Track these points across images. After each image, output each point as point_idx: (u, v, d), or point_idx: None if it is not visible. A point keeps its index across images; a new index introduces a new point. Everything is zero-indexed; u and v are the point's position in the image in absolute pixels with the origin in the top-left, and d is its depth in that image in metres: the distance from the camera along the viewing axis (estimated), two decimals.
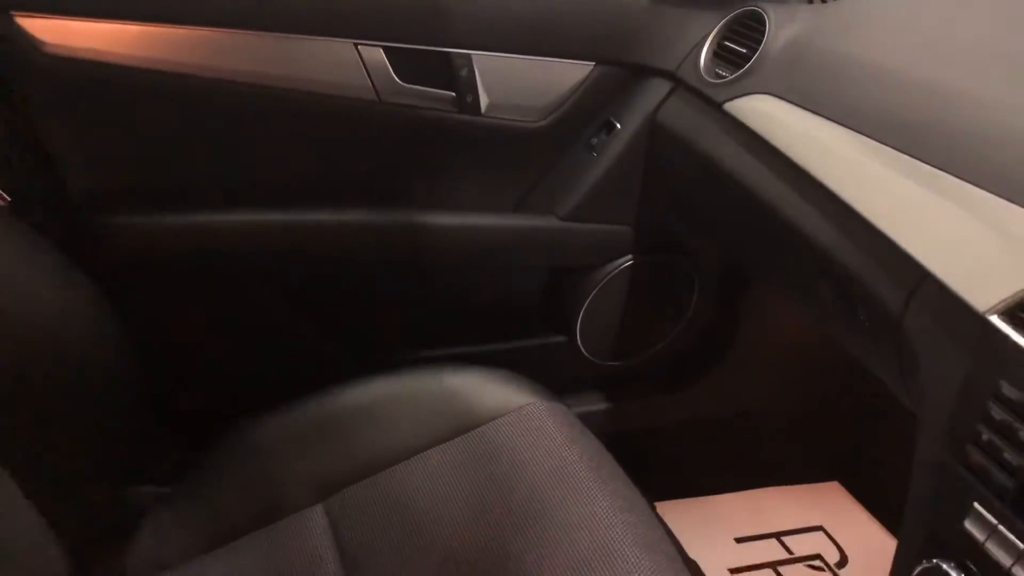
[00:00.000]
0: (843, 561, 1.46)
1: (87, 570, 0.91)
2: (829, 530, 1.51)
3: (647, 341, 1.47)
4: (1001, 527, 0.64)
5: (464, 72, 1.14)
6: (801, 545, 1.48)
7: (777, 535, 1.51)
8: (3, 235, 0.85)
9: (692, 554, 1.02)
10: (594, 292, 1.35)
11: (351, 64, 1.10)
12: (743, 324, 1.50)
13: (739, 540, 1.47)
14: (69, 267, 0.92)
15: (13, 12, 0.96)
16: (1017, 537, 0.63)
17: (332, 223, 1.19)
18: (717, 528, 1.49)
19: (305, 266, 1.22)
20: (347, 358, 1.28)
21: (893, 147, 0.85)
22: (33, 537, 0.75)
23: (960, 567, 0.67)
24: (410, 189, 1.22)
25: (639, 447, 1.38)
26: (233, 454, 1.08)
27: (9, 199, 1.00)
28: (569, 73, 1.21)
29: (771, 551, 1.47)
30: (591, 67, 1.21)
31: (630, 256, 1.34)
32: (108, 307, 0.97)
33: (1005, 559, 0.63)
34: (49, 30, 0.99)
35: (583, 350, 1.41)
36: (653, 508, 1.00)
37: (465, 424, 1.07)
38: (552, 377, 1.21)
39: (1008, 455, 0.64)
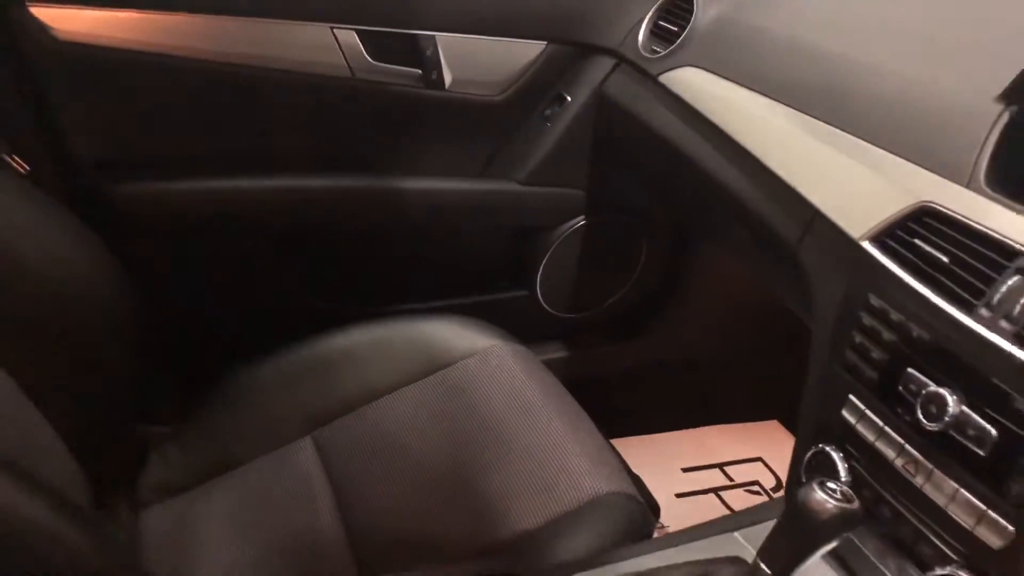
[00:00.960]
0: (778, 486, 1.60)
1: (105, 495, 1.02)
2: (767, 460, 1.65)
3: (602, 294, 1.60)
4: (868, 411, 0.78)
5: (429, 51, 1.26)
6: (741, 473, 1.62)
7: (720, 465, 1.64)
8: (25, 199, 0.96)
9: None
10: (551, 250, 1.47)
11: (328, 45, 1.22)
12: (689, 278, 1.63)
13: (685, 470, 1.61)
14: (81, 227, 1.03)
15: (28, 2, 1.07)
16: (879, 418, 0.76)
17: (315, 188, 1.30)
18: (666, 460, 1.62)
19: (292, 227, 1.33)
20: (332, 310, 1.39)
21: (796, 108, 0.98)
22: (62, 467, 0.86)
23: (840, 448, 0.81)
24: (384, 157, 1.33)
25: (596, 391, 1.50)
26: (232, 395, 1.19)
27: (28, 168, 1.11)
28: (524, 51, 1.33)
29: (714, 479, 1.61)
30: (543, 46, 1.33)
31: (583, 217, 1.47)
32: (117, 263, 1.08)
33: (870, 436, 0.77)
34: (59, 18, 1.09)
35: (543, 303, 1.53)
36: (607, 439, 1.12)
37: (437, 364, 1.18)
38: (515, 328, 1.33)
39: (874, 353, 0.78)
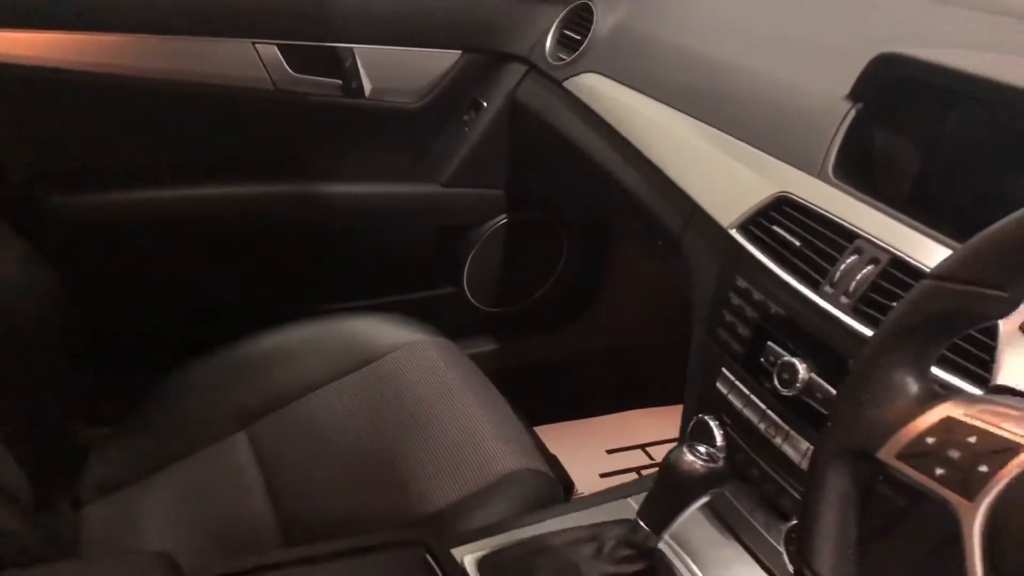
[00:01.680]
0: None
1: (47, 495, 1.06)
2: None
3: (527, 289, 1.67)
4: (736, 382, 0.86)
5: (348, 62, 1.32)
6: (662, 453, 1.69)
7: (642, 446, 1.72)
8: None
9: (569, 465, 1.21)
10: (476, 248, 1.54)
11: (251, 59, 1.27)
12: (611, 270, 1.71)
13: (610, 451, 1.69)
14: (11, 236, 1.07)
15: None
16: (745, 388, 0.84)
17: (245, 194, 1.36)
18: (592, 443, 1.70)
19: (224, 232, 1.38)
20: (265, 310, 1.44)
21: (680, 110, 1.06)
22: (3, 467, 0.90)
23: (717, 417, 0.89)
24: (309, 164, 1.39)
25: (525, 381, 1.56)
26: (169, 395, 1.23)
27: None
28: (440, 60, 1.40)
29: (636, 459, 1.69)
30: (458, 55, 1.40)
31: (504, 215, 1.54)
32: (51, 271, 1.12)
33: (738, 404, 0.85)
34: None
35: (471, 298, 1.60)
36: (530, 428, 1.19)
37: (365, 359, 1.24)
38: (446, 323, 1.39)
39: (740, 329, 0.86)
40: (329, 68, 1.32)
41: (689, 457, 0.76)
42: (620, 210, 1.19)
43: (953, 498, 0.45)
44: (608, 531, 0.83)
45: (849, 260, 0.76)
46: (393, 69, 1.37)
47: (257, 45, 1.26)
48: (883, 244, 0.74)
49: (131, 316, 1.39)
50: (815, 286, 0.78)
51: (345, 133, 1.39)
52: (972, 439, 0.45)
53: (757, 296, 0.84)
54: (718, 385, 0.88)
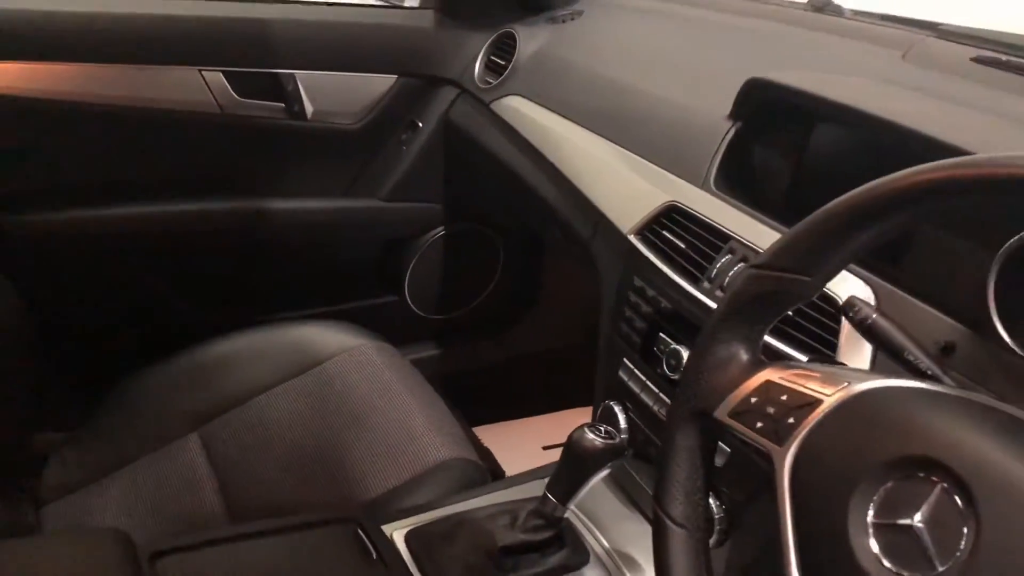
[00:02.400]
0: None
1: (7, 497, 1.12)
2: None
3: (467, 296, 1.76)
4: (635, 370, 0.96)
5: (290, 87, 1.41)
6: None
7: None
8: None
9: (506, 462, 1.29)
10: (416, 258, 1.63)
11: (198, 85, 1.35)
12: (546, 277, 1.81)
13: (546, 448, 1.78)
14: None
15: None
16: (642, 374, 0.94)
17: (194, 211, 1.43)
18: (529, 441, 1.78)
19: (175, 246, 1.46)
20: (214, 320, 1.51)
21: (590, 129, 1.17)
22: None
23: (621, 403, 0.99)
24: (255, 182, 1.47)
25: (466, 384, 1.65)
26: (124, 400, 1.30)
27: None
28: (377, 84, 1.50)
29: None
30: (395, 79, 1.50)
31: (442, 227, 1.63)
32: (9, 285, 1.19)
33: (636, 389, 0.95)
34: None
35: (412, 306, 1.69)
36: (464, 423, 1.27)
37: (309, 363, 1.32)
38: (389, 330, 1.47)
39: (637, 323, 0.96)
40: (272, 92, 1.41)
41: (589, 435, 0.86)
42: (541, 220, 1.29)
43: (769, 446, 0.55)
44: (522, 506, 0.92)
45: (724, 259, 0.86)
46: (333, 93, 1.46)
47: (203, 72, 1.35)
48: (751, 244, 0.84)
49: (86, 326, 1.45)
50: (696, 282, 0.88)
51: (289, 153, 1.47)
52: (784, 397, 0.56)
53: (650, 293, 0.94)
54: (620, 374, 0.98)
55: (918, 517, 0.47)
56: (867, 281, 0.76)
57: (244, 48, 1.36)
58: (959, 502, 0.46)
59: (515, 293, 1.81)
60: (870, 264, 0.77)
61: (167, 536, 0.97)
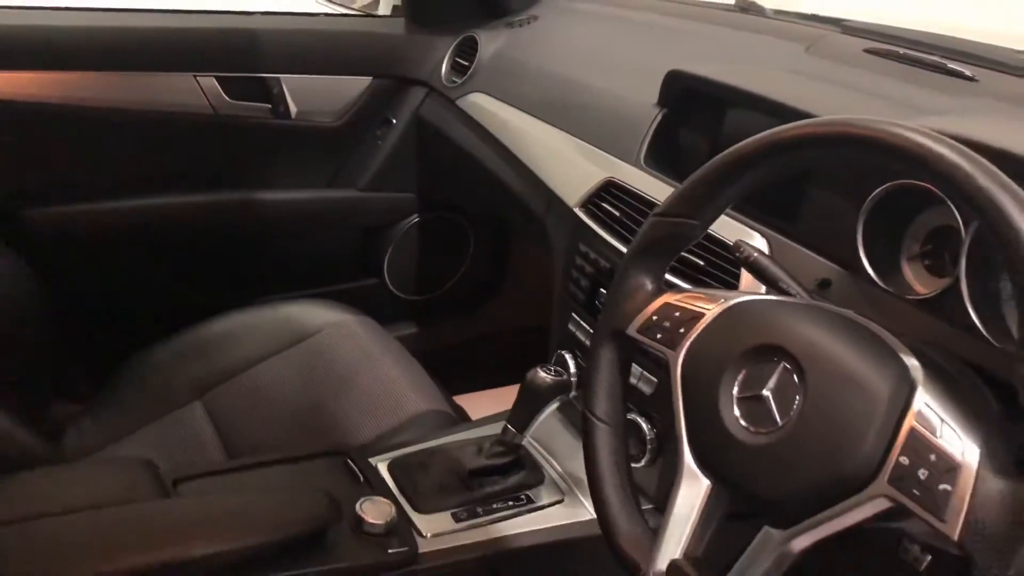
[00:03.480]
0: None
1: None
2: None
3: (440, 278, 1.90)
4: (582, 322, 1.11)
5: (276, 90, 1.56)
6: None
7: None
8: None
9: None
10: (393, 243, 1.77)
11: (193, 90, 1.49)
12: (515, 258, 1.95)
13: None
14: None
15: None
16: (587, 325, 1.10)
17: (192, 203, 1.57)
18: (501, 406, 1.91)
19: (176, 234, 1.59)
20: (212, 302, 1.65)
21: (543, 120, 1.32)
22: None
23: (571, 352, 1.14)
24: (246, 176, 1.61)
25: (442, 359, 1.79)
26: (134, 374, 1.43)
27: None
28: (354, 85, 1.64)
29: None
30: (369, 80, 1.64)
31: (416, 215, 1.78)
32: (31, 272, 1.32)
33: (582, 338, 1.10)
34: None
35: (392, 288, 1.83)
36: (439, 383, 1.40)
37: (299, 337, 1.44)
38: (370, 310, 1.60)
39: (582, 282, 1.11)
40: (260, 95, 1.55)
41: (541, 373, 1.01)
42: (504, 203, 1.44)
43: (666, 351, 0.70)
44: (487, 439, 1.07)
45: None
46: (314, 94, 1.60)
47: (198, 78, 1.49)
48: None
49: (99, 307, 1.58)
50: (629, 244, 1.04)
51: (276, 149, 1.62)
52: (677, 313, 0.71)
53: (593, 256, 1.10)
54: (570, 326, 1.13)
55: (766, 389, 0.62)
56: (763, 234, 0.92)
57: (234, 55, 1.50)
58: (795, 376, 0.61)
59: (485, 275, 1.95)
60: (765, 219, 0.93)
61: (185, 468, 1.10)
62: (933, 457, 0.54)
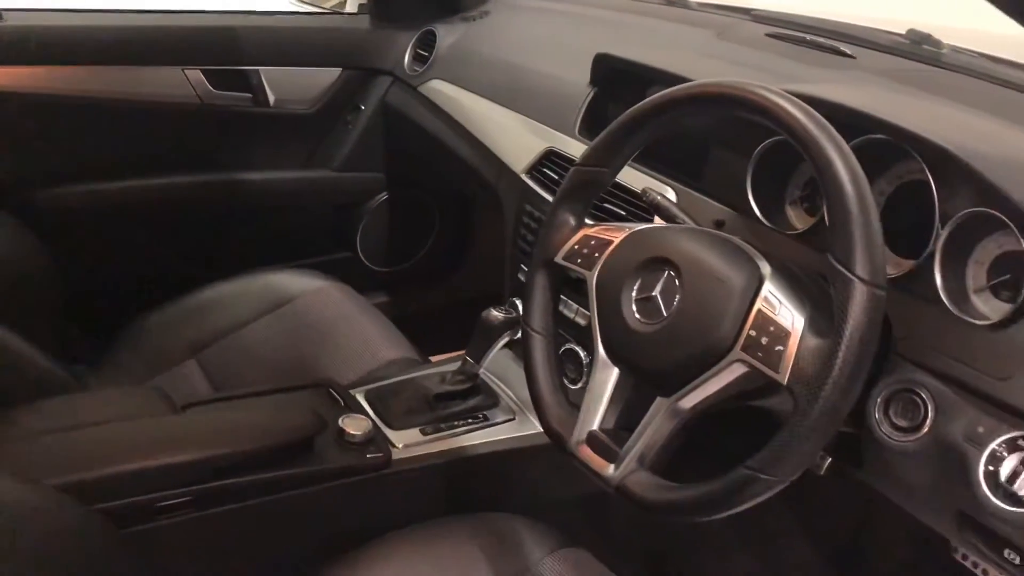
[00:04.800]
0: None
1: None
2: None
3: (409, 251, 2.06)
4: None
5: (256, 81, 1.71)
6: None
7: None
8: None
9: None
10: (364, 219, 1.93)
11: (182, 81, 1.65)
12: (474, 233, 2.12)
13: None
14: (9, 220, 1.42)
15: None
16: None
17: (182, 183, 1.72)
18: None
19: (169, 212, 1.74)
20: (201, 272, 1.79)
21: (494, 101, 1.49)
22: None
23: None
24: (230, 159, 1.76)
25: (413, 325, 1.95)
26: (133, 337, 1.55)
27: None
28: (327, 76, 1.81)
29: None
30: (340, 71, 1.81)
31: (385, 193, 1.94)
32: (41, 246, 1.46)
33: None
34: None
35: (365, 260, 1.99)
36: (409, 339, 1.55)
37: (281, 301, 1.57)
38: (345, 281, 1.74)
39: (529, 238, 1.28)
40: (242, 85, 1.71)
41: (494, 312, 1.18)
42: (463, 178, 1.60)
43: (584, 272, 0.87)
44: (449, 371, 1.24)
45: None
46: (291, 84, 1.76)
47: (186, 71, 1.64)
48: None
49: (100, 277, 1.72)
50: None
51: (256, 134, 1.77)
52: (593, 242, 0.88)
53: (537, 215, 1.27)
54: (520, 276, 1.31)
55: (655, 291, 0.80)
56: (672, 186, 1.10)
57: (218, 50, 1.66)
58: (676, 280, 0.79)
59: (451, 247, 2.12)
60: (675, 175, 1.11)
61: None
62: (772, 328, 0.71)
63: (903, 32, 1.25)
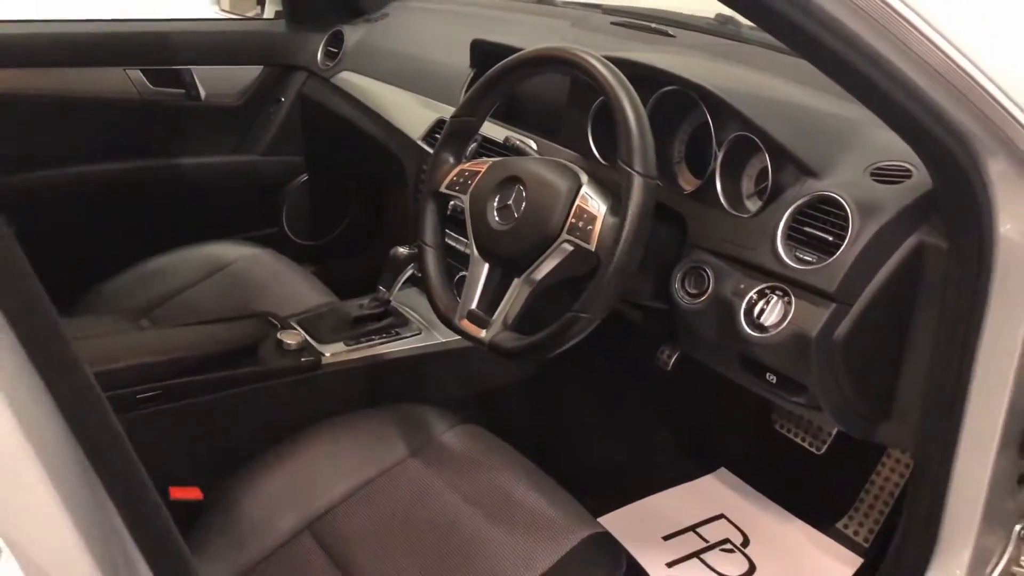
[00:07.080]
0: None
1: None
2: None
3: (328, 226, 2.29)
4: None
5: (188, 78, 1.94)
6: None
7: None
8: None
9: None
10: (289, 198, 2.17)
11: (123, 79, 1.86)
12: (387, 209, 2.36)
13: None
14: None
15: None
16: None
17: (126, 169, 1.93)
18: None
19: (114, 194, 1.94)
20: (145, 246, 1.97)
21: (394, 85, 1.75)
22: None
23: None
24: (167, 147, 1.98)
25: (339, 292, 2.19)
26: (90, 304, 1.75)
27: None
28: (250, 72, 2.04)
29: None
30: (261, 68, 2.04)
31: (306, 174, 2.17)
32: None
33: (454, 232, 1.54)
34: None
35: (290, 235, 2.22)
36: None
37: (218, 267, 1.72)
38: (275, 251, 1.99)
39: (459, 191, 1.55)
40: (176, 82, 1.94)
41: (400, 249, 1.43)
42: (377, 158, 1.85)
43: (460, 198, 1.14)
44: (366, 300, 1.50)
45: (472, 146, 1.46)
46: (219, 81, 1.99)
47: (127, 70, 1.86)
48: (489, 136, 1.44)
49: (59, 252, 1.91)
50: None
51: (190, 125, 1.99)
52: (467, 173, 1.15)
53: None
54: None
55: (510, 201, 1.07)
56: (535, 140, 1.38)
57: (155, 53, 1.88)
58: (523, 191, 1.06)
59: (366, 222, 2.36)
60: (539, 132, 1.39)
61: None
62: (586, 215, 1.00)
63: (713, 16, 1.57)
